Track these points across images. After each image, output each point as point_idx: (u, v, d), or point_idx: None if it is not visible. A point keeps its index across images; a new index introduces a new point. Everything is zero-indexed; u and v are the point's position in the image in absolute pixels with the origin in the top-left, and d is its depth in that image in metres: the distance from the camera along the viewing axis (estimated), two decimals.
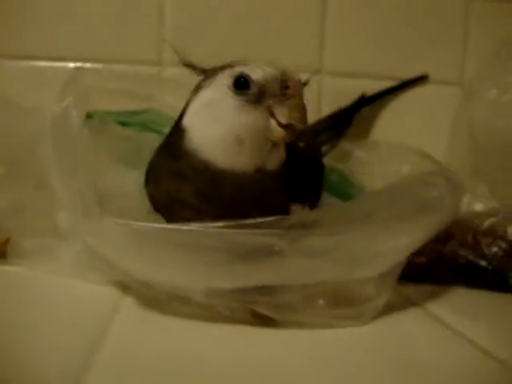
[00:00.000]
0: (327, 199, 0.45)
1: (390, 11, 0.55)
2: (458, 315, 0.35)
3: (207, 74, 0.33)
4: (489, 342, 0.31)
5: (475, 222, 0.41)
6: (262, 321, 0.32)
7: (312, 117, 0.52)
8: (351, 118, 0.53)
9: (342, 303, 0.32)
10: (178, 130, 0.34)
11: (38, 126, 0.46)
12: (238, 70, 0.31)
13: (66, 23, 0.54)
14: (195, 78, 0.52)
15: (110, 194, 0.39)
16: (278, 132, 0.31)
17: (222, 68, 0.32)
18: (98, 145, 0.43)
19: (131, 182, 0.42)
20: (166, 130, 0.49)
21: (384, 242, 0.31)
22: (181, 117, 0.34)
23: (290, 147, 0.35)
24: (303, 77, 0.52)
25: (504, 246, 0.39)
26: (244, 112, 0.31)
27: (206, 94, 0.32)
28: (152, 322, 0.32)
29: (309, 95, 0.52)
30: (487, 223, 0.40)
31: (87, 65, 0.54)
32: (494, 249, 0.39)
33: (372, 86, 0.55)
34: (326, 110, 0.56)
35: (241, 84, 0.31)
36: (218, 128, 0.31)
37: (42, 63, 0.54)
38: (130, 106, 0.49)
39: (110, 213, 0.36)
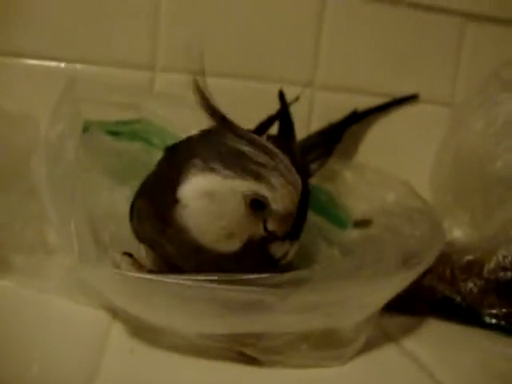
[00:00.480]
0: (313, 217, 0.47)
1: (385, 29, 0.55)
2: (432, 352, 0.38)
3: (224, 155, 0.32)
4: None
5: (454, 256, 0.42)
6: (249, 360, 0.33)
7: (301, 131, 0.53)
8: (341, 135, 0.54)
9: (324, 346, 0.33)
10: (171, 193, 0.32)
11: (30, 136, 0.46)
12: (261, 191, 0.31)
13: (57, 22, 0.52)
14: (187, 91, 0.53)
15: (102, 217, 0.39)
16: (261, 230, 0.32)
17: (244, 168, 0.31)
18: (92, 161, 0.44)
19: (122, 202, 0.43)
20: (156, 140, 0.50)
21: (369, 295, 0.33)
22: (179, 176, 0.33)
23: None
24: (295, 90, 0.54)
25: (479, 283, 0.41)
26: (246, 221, 0.32)
27: (215, 183, 0.31)
28: (141, 354, 0.33)
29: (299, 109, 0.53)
30: (465, 259, 0.42)
31: (78, 66, 0.54)
32: (470, 285, 0.41)
33: (363, 102, 0.56)
34: (316, 123, 0.56)
35: (258, 205, 0.31)
36: (214, 221, 0.32)
37: (32, 61, 0.53)
38: (122, 118, 0.49)
39: (103, 243, 0.37)
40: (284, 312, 0.30)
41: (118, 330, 0.35)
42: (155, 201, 0.35)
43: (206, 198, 0.31)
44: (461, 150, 0.49)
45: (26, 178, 0.44)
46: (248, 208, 0.31)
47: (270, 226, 0.32)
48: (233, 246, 0.32)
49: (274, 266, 0.36)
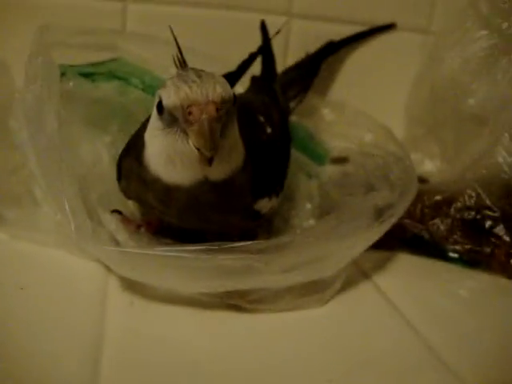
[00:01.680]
0: (293, 153, 0.48)
1: None
2: (401, 287, 0.42)
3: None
4: (422, 322, 0.38)
5: (424, 196, 0.45)
6: (237, 308, 0.36)
7: (278, 60, 0.53)
8: (318, 67, 0.54)
9: (305, 294, 0.37)
10: (142, 138, 0.35)
11: (5, 85, 0.45)
12: (159, 91, 0.32)
13: None
14: (158, 22, 0.51)
15: (88, 176, 0.40)
16: (196, 153, 0.31)
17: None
18: (70, 112, 0.43)
19: (105, 154, 0.43)
20: (134, 79, 0.50)
21: (347, 250, 0.36)
22: (148, 120, 0.35)
23: (255, 140, 0.37)
24: (270, 19, 0.53)
25: (446, 221, 0.45)
26: (164, 134, 0.32)
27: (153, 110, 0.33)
28: (141, 306, 0.36)
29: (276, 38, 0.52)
30: (434, 199, 0.45)
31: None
32: (437, 223, 0.45)
33: (340, 31, 0.55)
34: (293, 52, 0.56)
35: (159, 107, 0.32)
36: (154, 147, 0.33)
37: None
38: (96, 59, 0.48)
39: (91, 202, 0.38)
40: (270, 273, 0.33)
41: (115, 283, 0.37)
42: (136, 152, 0.36)
43: (149, 126, 0.34)
44: (436, 85, 0.50)
45: (5, 129, 0.44)
46: (157, 115, 0.32)
47: (191, 140, 0.30)
48: (186, 176, 0.33)
49: (259, 218, 0.38)
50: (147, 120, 0.38)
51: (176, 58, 0.34)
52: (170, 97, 0.31)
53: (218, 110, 0.30)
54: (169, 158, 0.32)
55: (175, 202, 0.34)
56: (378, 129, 0.47)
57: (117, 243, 0.35)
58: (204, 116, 0.30)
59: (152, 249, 0.32)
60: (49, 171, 0.34)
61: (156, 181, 0.34)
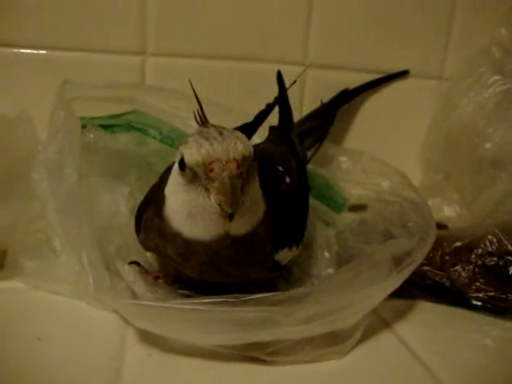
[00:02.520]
0: (310, 200, 0.48)
1: (374, 4, 0.55)
2: (423, 336, 0.40)
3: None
4: (445, 373, 0.37)
5: (444, 243, 0.45)
6: (256, 360, 0.36)
7: (294, 109, 0.54)
8: (334, 115, 0.55)
9: (325, 345, 0.36)
10: (162, 190, 0.35)
11: (28, 138, 0.47)
12: (181, 148, 0.32)
13: (46, 10, 0.52)
14: (177, 80, 0.53)
15: (106, 228, 0.41)
16: (217, 209, 0.31)
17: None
18: (90, 164, 0.44)
19: (124, 205, 0.44)
20: (151, 130, 0.51)
21: (366, 300, 0.35)
22: (167, 173, 0.36)
23: (275, 190, 0.37)
24: (286, 69, 0.54)
25: (467, 268, 0.44)
26: (186, 190, 0.32)
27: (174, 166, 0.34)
28: (159, 357, 0.35)
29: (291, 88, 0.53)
30: (455, 245, 0.44)
31: (67, 53, 0.53)
32: (459, 270, 0.44)
33: (354, 79, 0.56)
34: (308, 101, 0.57)
35: (181, 165, 0.32)
36: (175, 202, 0.34)
37: (22, 50, 0.53)
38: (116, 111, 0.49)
39: (111, 255, 0.38)
40: (289, 325, 0.32)
41: (133, 334, 0.37)
42: (156, 206, 0.36)
43: (170, 181, 0.34)
44: (451, 130, 0.50)
45: (27, 180, 0.45)
46: (179, 171, 0.32)
47: (213, 197, 0.31)
48: (207, 232, 0.33)
49: (279, 269, 0.38)
50: (166, 172, 0.38)
51: (197, 114, 0.35)
52: (191, 154, 0.31)
53: (239, 166, 0.31)
54: (190, 213, 0.33)
55: (195, 256, 0.35)
56: (395, 175, 0.47)
57: (134, 295, 0.35)
58: (225, 173, 0.30)
59: (169, 302, 0.32)
60: (68, 222, 0.35)
61: (176, 235, 0.34)
